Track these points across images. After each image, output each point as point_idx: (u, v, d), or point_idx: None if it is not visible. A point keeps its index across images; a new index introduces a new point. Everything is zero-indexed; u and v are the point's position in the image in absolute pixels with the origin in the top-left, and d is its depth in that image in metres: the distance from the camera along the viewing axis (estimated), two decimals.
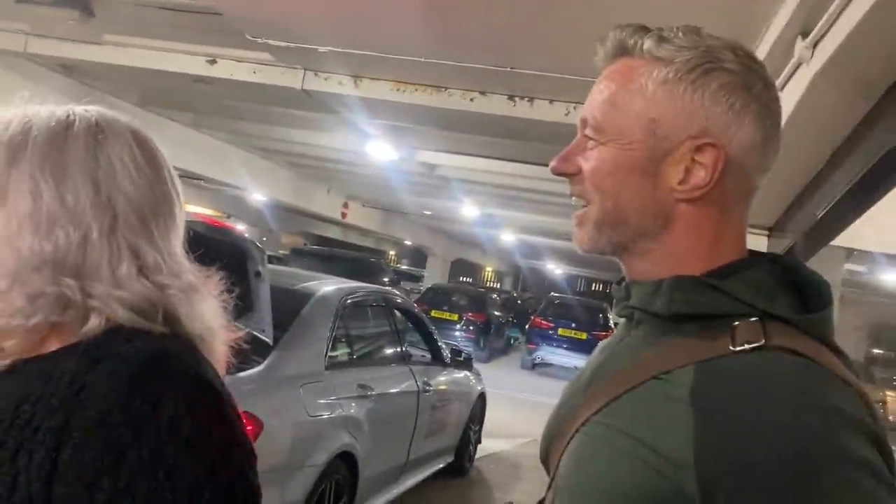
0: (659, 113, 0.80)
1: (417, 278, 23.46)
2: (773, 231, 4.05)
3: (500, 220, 14.32)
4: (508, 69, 4.04)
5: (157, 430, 0.66)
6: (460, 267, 29.50)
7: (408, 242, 24.29)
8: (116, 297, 0.75)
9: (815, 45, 2.28)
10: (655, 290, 0.80)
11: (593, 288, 36.86)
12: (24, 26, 4.81)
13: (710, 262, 0.80)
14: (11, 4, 4.37)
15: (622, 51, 0.82)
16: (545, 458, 0.89)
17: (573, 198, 0.86)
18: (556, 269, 31.57)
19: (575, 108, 4.36)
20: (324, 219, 17.70)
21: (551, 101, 4.42)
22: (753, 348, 0.72)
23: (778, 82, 2.69)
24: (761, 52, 2.80)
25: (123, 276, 0.76)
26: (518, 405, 9.72)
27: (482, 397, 6.37)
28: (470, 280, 31.97)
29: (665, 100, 0.79)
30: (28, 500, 0.65)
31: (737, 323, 0.74)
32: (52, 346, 0.75)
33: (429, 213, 15.76)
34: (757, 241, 3.99)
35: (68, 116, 0.80)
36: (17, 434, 0.68)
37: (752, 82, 0.79)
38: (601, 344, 0.96)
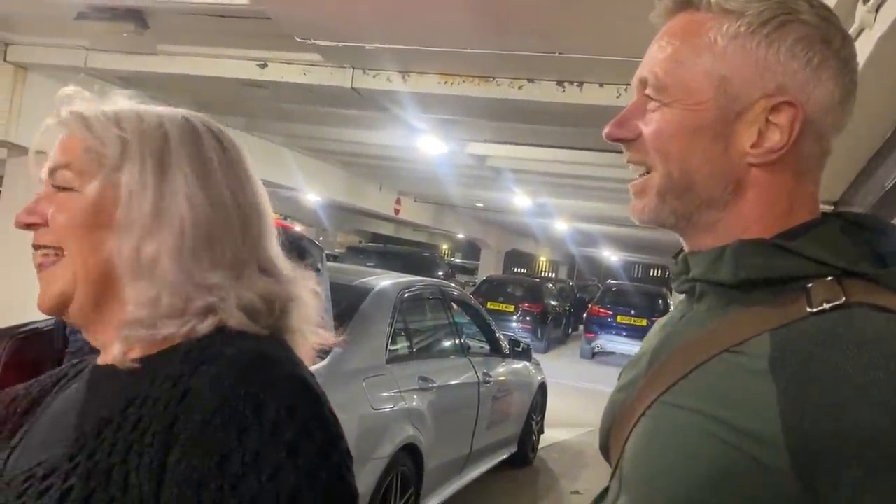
0: (730, 70, 0.73)
1: (471, 271, 23.46)
2: (838, 205, 3.92)
3: (553, 208, 14.20)
4: (556, 54, 4.00)
5: (261, 433, 0.67)
6: (514, 258, 29.39)
7: (460, 236, 24.31)
8: (237, 299, 0.76)
9: (877, 10, 2.19)
10: (718, 257, 0.74)
11: (651, 274, 36.23)
12: (83, 42, 4.99)
13: (780, 228, 0.74)
14: (71, 22, 4.54)
15: (685, 4, 0.77)
16: (605, 447, 0.85)
17: (631, 165, 0.80)
18: (611, 257, 31.15)
19: (626, 89, 4.28)
20: (377, 216, 17.85)
21: (601, 85, 4.36)
22: (834, 307, 0.66)
23: None
24: None
25: (252, 277, 0.78)
26: (579, 395, 9.64)
27: (543, 387, 6.34)
28: (524, 271, 31.82)
29: (737, 55, 0.73)
30: (139, 499, 0.67)
31: (810, 284, 0.69)
32: (164, 346, 0.77)
33: (480, 205, 15.74)
34: None
35: (181, 116, 0.82)
36: (126, 436, 0.70)
37: (832, 35, 0.73)
38: (658, 323, 0.91)
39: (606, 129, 0.79)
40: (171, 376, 0.72)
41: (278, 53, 4.75)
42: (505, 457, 5.52)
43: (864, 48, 2.34)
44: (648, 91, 0.77)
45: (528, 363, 6.01)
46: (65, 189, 0.77)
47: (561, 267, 35.80)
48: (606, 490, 0.83)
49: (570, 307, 17.61)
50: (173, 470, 0.67)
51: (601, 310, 14.40)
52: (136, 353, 0.77)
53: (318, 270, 3.12)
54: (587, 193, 10.78)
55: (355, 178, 12.47)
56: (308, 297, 0.84)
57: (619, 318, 14.18)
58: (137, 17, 4.38)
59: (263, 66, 4.81)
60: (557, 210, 14.50)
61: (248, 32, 4.46)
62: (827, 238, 0.71)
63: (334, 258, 13.73)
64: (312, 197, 13.39)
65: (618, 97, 4.33)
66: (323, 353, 3.22)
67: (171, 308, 0.75)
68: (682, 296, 0.83)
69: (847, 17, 2.46)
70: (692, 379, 0.72)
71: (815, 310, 0.67)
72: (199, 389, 0.69)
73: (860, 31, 2.39)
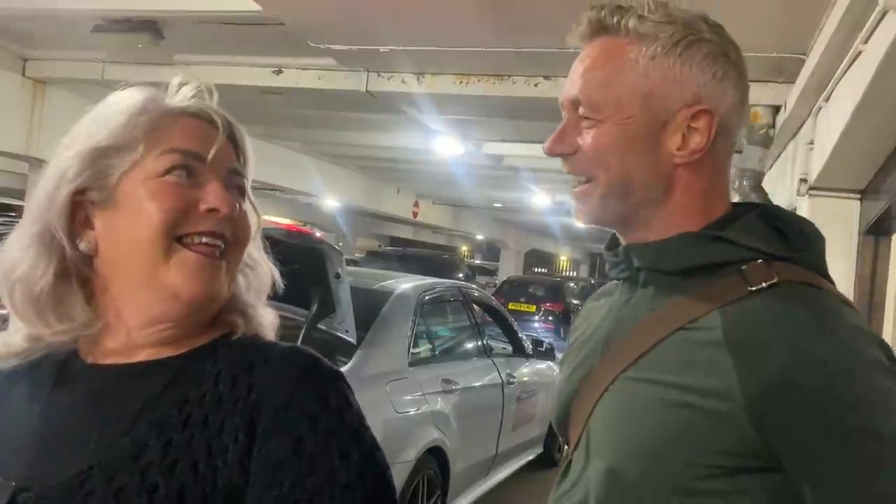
0: (652, 87, 0.85)
1: (491, 272, 23.41)
2: (865, 194, 3.83)
3: (572, 206, 14.11)
4: (572, 50, 3.94)
5: (329, 420, 0.75)
6: (534, 258, 29.29)
7: (479, 237, 24.27)
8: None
9: None
10: (663, 248, 0.86)
11: None
12: (100, 55, 5.03)
13: (705, 219, 0.87)
14: (87, 35, 4.58)
15: (602, 30, 0.87)
16: (563, 423, 0.95)
17: (571, 175, 0.90)
18: None
19: None
20: (396, 219, 17.88)
21: None
22: (770, 285, 0.80)
23: (862, 33, 2.54)
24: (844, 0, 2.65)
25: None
26: None
27: None
28: (544, 271, 31.69)
29: (657, 74, 0.84)
30: (231, 492, 0.72)
31: (744, 267, 0.81)
32: (183, 347, 0.80)
33: (499, 205, 15.70)
34: (848, 206, 3.77)
35: None
36: (199, 433, 0.74)
37: (728, 49, 0.86)
38: (593, 309, 1.01)
39: (547, 145, 0.89)
40: (225, 376, 0.77)
41: (293, 59, 4.76)
42: (531, 458, 5.48)
43: (888, 32, 2.28)
44: (582, 111, 0.87)
45: (551, 363, 5.96)
46: None
47: (581, 265, 35.62)
48: (570, 463, 0.92)
49: None
50: (255, 459, 0.73)
51: None
52: (153, 354, 0.80)
53: (337, 276, 3.10)
54: None
55: (373, 182, 12.50)
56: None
57: None
58: (152, 28, 4.41)
59: (278, 72, 4.82)
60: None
61: (262, 39, 4.47)
62: (751, 227, 0.85)
63: (354, 263, 13.77)
64: (331, 203, 13.44)
65: None
66: (345, 357, 3.19)
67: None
68: (617, 282, 0.95)
69: (870, 1, 2.40)
70: (653, 355, 0.83)
71: (754, 288, 0.80)
72: (265, 386, 0.76)
73: (883, 14, 2.34)
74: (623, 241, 0.92)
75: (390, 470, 0.79)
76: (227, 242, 0.81)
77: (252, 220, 0.85)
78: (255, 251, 0.88)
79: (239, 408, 0.75)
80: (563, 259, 35.30)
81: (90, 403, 0.79)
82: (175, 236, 0.77)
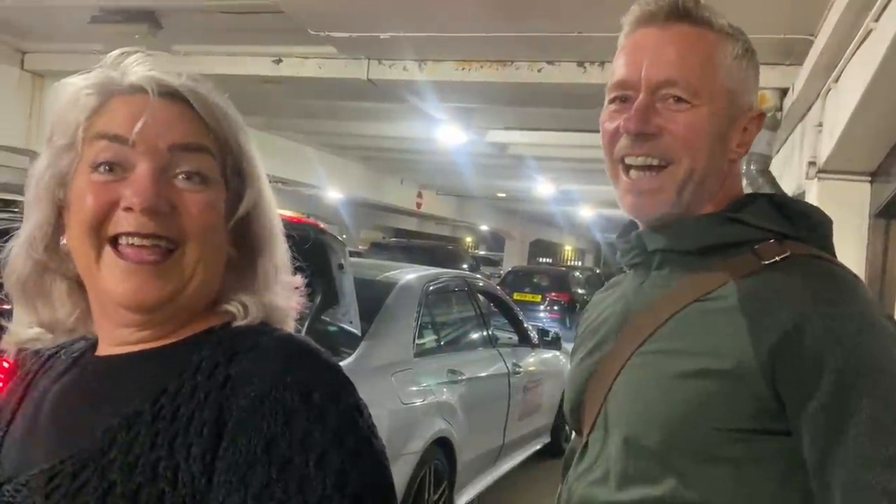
0: (735, 85, 0.90)
1: (496, 262, 23.36)
2: (875, 176, 3.77)
3: (577, 195, 14.06)
4: (576, 34, 3.89)
5: (307, 419, 0.66)
6: (539, 248, 29.22)
7: (484, 227, 24.22)
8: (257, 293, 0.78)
9: None
10: (679, 229, 0.90)
11: None
12: (98, 46, 4.98)
13: (720, 204, 0.92)
14: (85, 26, 4.53)
15: (685, 16, 0.89)
16: (577, 407, 0.97)
17: (641, 158, 0.89)
18: None
19: None
20: (399, 210, 17.84)
21: None
22: (783, 258, 0.84)
23: (873, 10, 2.48)
24: None
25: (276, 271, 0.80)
26: None
27: None
28: (549, 261, 31.63)
29: (738, 74, 0.90)
30: (191, 493, 0.66)
31: (757, 246, 0.86)
32: (178, 335, 0.75)
33: (503, 195, 15.64)
34: (858, 189, 3.72)
35: None
36: (165, 428, 0.68)
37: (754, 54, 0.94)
38: (602, 299, 1.05)
39: (630, 125, 0.88)
40: (205, 366, 0.70)
41: (293, 48, 4.70)
42: (538, 447, 5.46)
43: None
44: (678, 92, 0.88)
45: (557, 352, 5.93)
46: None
47: (587, 255, 35.56)
48: (586, 446, 0.94)
49: None
50: (221, 458, 0.66)
51: None
52: (150, 344, 0.75)
53: (341, 267, 3.07)
54: (603, 179, 10.64)
55: (376, 173, 12.45)
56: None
57: None
58: (150, 18, 4.37)
59: (278, 61, 4.77)
60: (582, 197, 14.36)
61: (261, 28, 4.42)
62: (763, 211, 0.90)
63: (357, 255, 13.73)
64: (334, 194, 13.40)
65: None
66: (349, 349, 3.16)
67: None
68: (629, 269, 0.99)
69: None
70: (668, 327, 0.87)
71: (767, 262, 0.84)
72: (243, 377, 0.68)
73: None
74: (643, 227, 0.95)
75: (386, 476, 0.70)
76: (171, 239, 0.71)
77: (213, 204, 0.73)
78: None
79: (210, 400, 0.68)
80: (568, 249, 35.23)
81: (81, 394, 0.78)
82: (106, 237, 0.71)
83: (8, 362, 3.82)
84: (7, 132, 5.33)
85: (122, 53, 0.76)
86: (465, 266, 13.34)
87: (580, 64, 4.32)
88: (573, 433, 1.06)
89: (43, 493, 0.69)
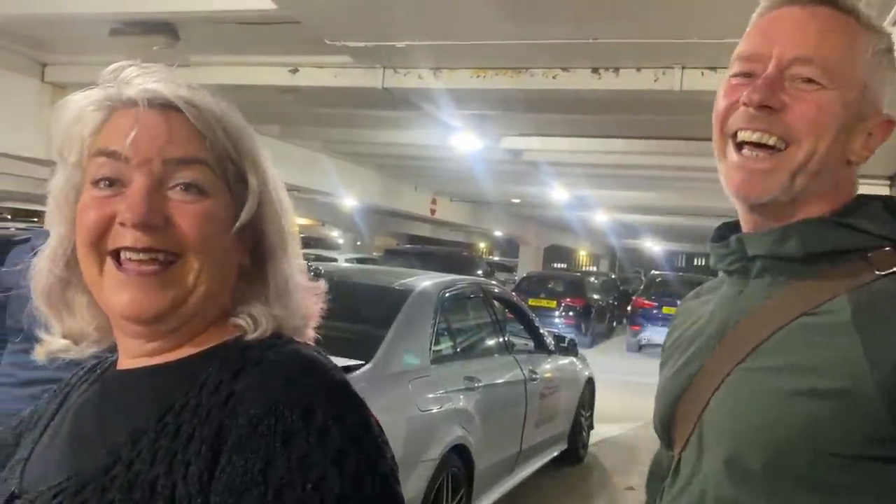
0: (870, 80, 0.83)
1: (510, 268, 23.33)
2: (894, 180, 3.74)
3: (591, 200, 14.02)
4: (590, 40, 3.90)
5: (307, 440, 0.64)
6: (553, 253, 29.14)
7: (498, 233, 24.19)
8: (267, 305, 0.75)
9: None
10: (784, 235, 0.83)
11: (696, 263, 35.63)
12: (118, 58, 5.03)
13: (830, 206, 0.85)
14: (105, 39, 4.59)
15: (828, 0, 0.84)
16: (669, 422, 0.91)
17: (758, 133, 0.82)
18: (653, 247, 30.70)
19: (664, 73, 4.17)
20: (414, 217, 17.86)
21: (638, 69, 4.24)
22: None
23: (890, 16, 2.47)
24: None
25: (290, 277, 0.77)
26: (627, 389, 9.47)
27: (590, 382, 6.23)
28: (564, 266, 31.53)
29: (875, 71, 0.83)
30: None
31: (870, 254, 0.79)
32: (187, 350, 0.75)
33: (517, 201, 15.63)
34: (877, 192, 3.70)
35: None
36: (167, 445, 0.67)
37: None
38: (694, 307, 0.98)
39: (755, 95, 0.81)
40: (210, 382, 0.69)
41: (309, 58, 4.74)
42: (555, 454, 5.43)
43: None
44: (812, 72, 0.82)
45: (574, 358, 5.91)
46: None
47: (602, 260, 35.42)
48: (678, 463, 0.88)
49: (613, 300, 17.37)
50: (218, 478, 0.64)
51: (646, 301, 14.16)
52: (163, 358, 0.74)
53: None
54: (626, 183, 10.61)
55: (390, 180, 12.49)
56: (302, 289, 0.81)
57: (664, 309, 13.92)
58: (169, 30, 4.42)
59: (294, 71, 4.80)
60: (596, 202, 14.33)
61: (278, 38, 4.46)
62: (876, 215, 0.83)
63: (372, 262, 13.76)
64: (349, 201, 13.45)
65: (656, 80, 4.21)
66: (366, 356, 3.16)
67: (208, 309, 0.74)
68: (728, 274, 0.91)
69: None
70: (772, 343, 0.80)
71: (884, 273, 0.77)
72: (244, 394, 0.67)
73: None
74: (745, 228, 0.89)
75: (393, 498, 0.67)
76: (170, 251, 0.71)
77: (211, 215, 0.72)
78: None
79: (211, 418, 0.67)
80: (583, 254, 35.10)
81: (96, 408, 0.78)
82: (107, 251, 0.71)
83: None
84: (27, 143, 5.40)
85: (118, 67, 0.75)
86: (479, 272, 13.32)
87: (594, 70, 4.33)
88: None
89: None
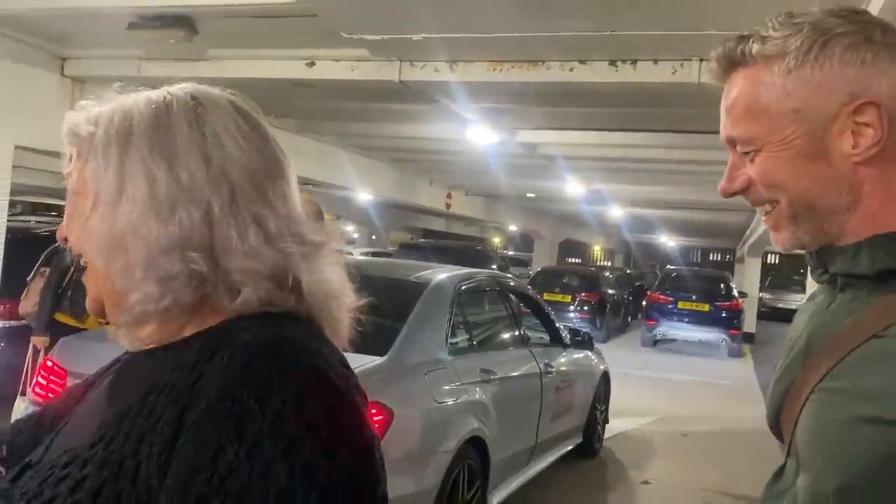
0: (799, 101, 0.83)
1: (525, 263, 23.29)
2: None
3: (607, 195, 13.95)
4: (607, 32, 3.88)
5: (260, 426, 0.63)
6: (567, 248, 29.06)
7: (513, 228, 24.15)
8: (252, 270, 0.73)
9: None
10: (856, 252, 0.82)
11: (711, 258, 35.40)
12: (136, 52, 5.08)
13: (887, 213, 0.82)
14: (123, 33, 4.63)
15: (733, 65, 0.86)
16: (776, 427, 0.94)
17: (757, 208, 0.91)
18: (669, 242, 30.53)
19: (682, 65, 4.14)
20: (428, 211, 17.86)
21: (655, 62, 4.21)
22: None
23: None
24: None
25: (253, 246, 0.74)
26: (642, 383, 9.44)
27: (606, 376, 6.23)
28: (578, 261, 31.42)
29: (798, 88, 0.82)
30: (147, 491, 0.65)
31: None
32: (188, 332, 0.76)
33: (532, 195, 15.59)
34: None
35: (165, 97, 0.79)
36: (142, 424, 0.69)
37: (871, 31, 0.82)
38: (802, 310, 0.99)
39: (721, 186, 0.91)
40: (188, 363, 0.70)
41: (326, 51, 4.75)
42: (570, 448, 5.44)
43: None
44: (740, 148, 0.87)
45: (589, 352, 5.90)
46: (76, 194, 0.79)
47: (616, 255, 35.27)
48: (783, 467, 0.90)
49: (628, 295, 17.30)
50: (174, 460, 0.65)
51: (661, 296, 14.09)
52: (157, 341, 0.77)
53: None
54: (643, 177, 10.55)
55: (405, 174, 12.49)
56: (333, 260, 0.80)
57: (680, 304, 13.86)
58: (187, 24, 4.44)
59: (311, 64, 4.81)
60: (612, 196, 14.25)
61: (295, 31, 4.47)
62: None
63: (387, 255, 13.77)
64: (364, 196, 13.47)
65: (673, 73, 4.18)
66: (383, 348, 3.17)
67: (147, 285, 0.73)
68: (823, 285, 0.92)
69: None
70: (845, 364, 0.80)
71: None
72: (210, 376, 0.67)
73: None
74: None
75: (349, 496, 0.65)
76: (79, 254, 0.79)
77: (77, 207, 0.78)
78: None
79: (181, 399, 0.68)
80: (598, 249, 34.97)
81: (105, 391, 0.82)
82: None
83: (52, 361, 3.87)
84: (47, 137, 5.45)
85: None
86: (494, 266, 13.31)
87: (612, 63, 4.30)
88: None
89: (38, 480, 0.72)
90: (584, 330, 6.17)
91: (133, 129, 0.76)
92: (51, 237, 6.29)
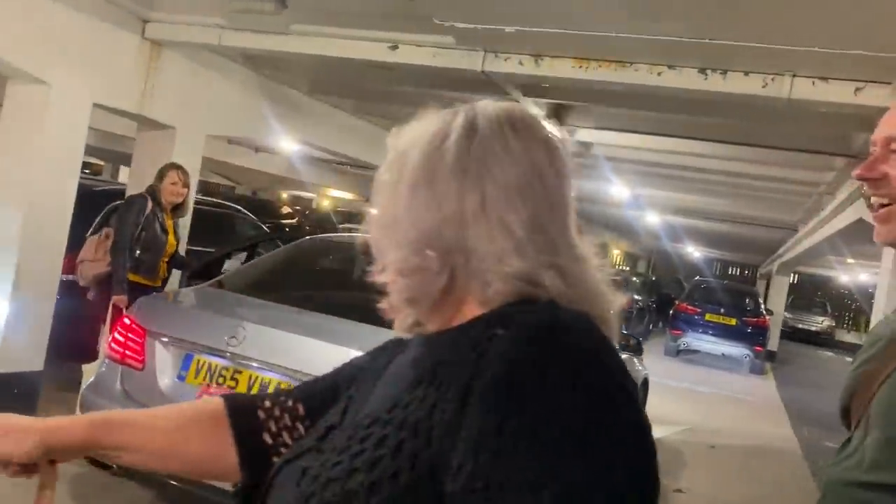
0: None
1: None
2: None
3: (646, 201, 13.87)
4: (706, 40, 3.86)
5: (540, 402, 0.67)
6: None
7: None
8: (502, 271, 0.79)
9: None
10: None
11: (730, 272, 35.12)
12: (219, 20, 5.10)
13: None
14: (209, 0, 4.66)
15: None
16: (846, 409, 1.18)
17: (873, 198, 1.13)
18: (693, 252, 30.33)
19: (773, 79, 4.11)
20: None
21: (747, 73, 4.18)
22: None
23: None
24: None
25: (504, 251, 0.80)
26: (668, 393, 9.43)
27: (646, 383, 6.24)
28: None
29: None
30: (439, 452, 0.70)
31: None
32: (459, 320, 0.84)
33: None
34: None
35: (465, 121, 0.87)
36: (433, 393, 0.75)
37: None
38: (891, 319, 1.19)
39: (858, 171, 1.13)
40: (472, 341, 0.76)
41: (409, 36, 4.75)
42: None
43: None
44: (894, 145, 1.10)
45: (635, 358, 5.91)
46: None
47: (639, 261, 35.06)
48: (848, 440, 1.15)
49: (652, 303, 17.25)
50: (463, 428, 0.69)
51: (689, 307, 14.07)
52: (448, 324, 0.84)
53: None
54: (683, 185, 10.45)
55: None
56: (592, 270, 0.85)
57: (707, 317, 13.82)
58: None
59: (394, 47, 4.82)
60: (652, 202, 14.16)
61: (383, 13, 4.47)
62: None
63: None
64: None
65: (764, 86, 4.15)
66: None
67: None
68: None
69: None
70: None
71: None
72: (492, 352, 0.72)
73: None
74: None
75: (622, 481, 0.66)
76: None
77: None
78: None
79: (465, 372, 0.73)
80: (617, 253, 34.75)
81: (399, 366, 0.90)
82: None
83: (130, 319, 3.90)
84: (122, 97, 5.51)
85: None
86: None
87: (702, 70, 4.28)
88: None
89: (345, 437, 0.81)
90: (635, 336, 6.17)
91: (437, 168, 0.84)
92: (105, 194, 6.34)
